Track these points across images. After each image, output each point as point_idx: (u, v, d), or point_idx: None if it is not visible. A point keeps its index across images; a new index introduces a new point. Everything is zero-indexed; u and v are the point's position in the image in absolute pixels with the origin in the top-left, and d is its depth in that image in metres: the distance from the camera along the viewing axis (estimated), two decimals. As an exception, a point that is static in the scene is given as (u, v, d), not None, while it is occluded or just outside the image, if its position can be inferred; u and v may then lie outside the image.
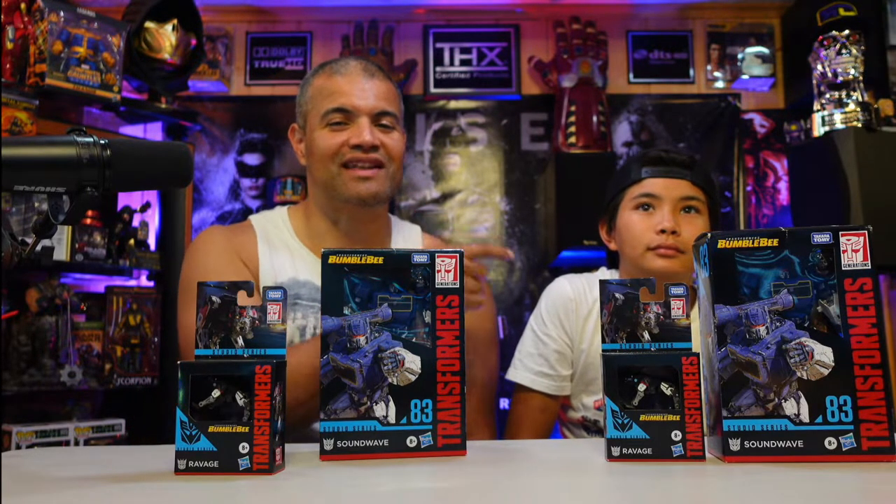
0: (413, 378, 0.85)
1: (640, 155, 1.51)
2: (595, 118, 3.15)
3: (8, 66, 2.07)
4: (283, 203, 2.73)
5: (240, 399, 0.78)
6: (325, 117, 1.25)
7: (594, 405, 1.47)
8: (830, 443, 0.76)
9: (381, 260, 0.86)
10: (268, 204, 3.23)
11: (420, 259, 0.87)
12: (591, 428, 1.49)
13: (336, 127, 1.25)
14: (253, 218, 1.38)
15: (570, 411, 1.52)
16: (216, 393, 0.79)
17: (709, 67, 3.36)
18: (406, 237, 1.41)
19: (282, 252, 1.30)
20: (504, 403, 3.06)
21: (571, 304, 1.49)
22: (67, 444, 2.09)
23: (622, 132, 3.33)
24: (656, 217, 1.41)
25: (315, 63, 3.30)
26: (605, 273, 1.60)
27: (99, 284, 2.46)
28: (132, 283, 2.52)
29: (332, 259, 0.86)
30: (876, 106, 2.35)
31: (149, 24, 2.40)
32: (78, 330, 2.25)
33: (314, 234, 1.34)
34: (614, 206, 1.51)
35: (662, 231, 1.39)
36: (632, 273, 1.47)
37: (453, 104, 3.35)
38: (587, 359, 1.47)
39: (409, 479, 0.74)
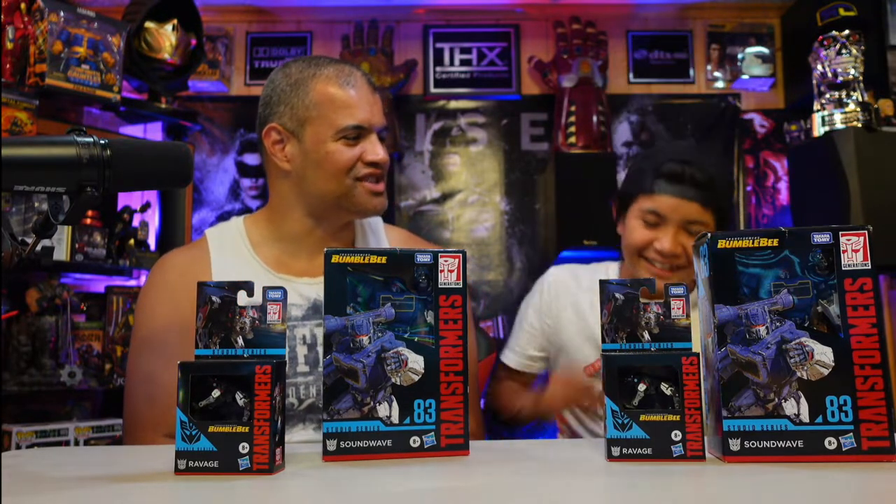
0: (416, 378, 0.85)
1: (660, 162, 1.42)
2: (595, 118, 3.15)
3: (8, 66, 2.07)
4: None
5: (240, 399, 0.78)
6: (342, 132, 1.23)
7: (585, 371, 1.47)
8: (830, 443, 0.76)
9: (384, 259, 0.86)
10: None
11: (423, 259, 0.87)
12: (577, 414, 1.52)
13: (351, 142, 1.24)
14: (209, 233, 1.32)
15: None
16: (216, 393, 0.79)
17: (709, 67, 3.36)
18: (372, 228, 1.40)
19: (236, 276, 1.22)
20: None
21: (552, 288, 1.58)
22: (67, 444, 2.09)
23: (622, 132, 3.33)
24: (659, 233, 1.40)
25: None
26: (612, 266, 1.60)
27: (99, 284, 2.46)
28: (132, 283, 2.52)
29: (335, 258, 0.86)
30: (876, 106, 2.35)
31: (149, 24, 2.40)
32: (78, 330, 2.25)
33: (281, 241, 1.29)
34: (626, 202, 1.48)
35: (660, 251, 1.39)
36: (629, 270, 1.49)
37: (453, 104, 3.36)
38: (563, 343, 1.54)
39: (411, 479, 0.74)
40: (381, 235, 1.39)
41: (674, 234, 1.39)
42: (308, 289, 1.25)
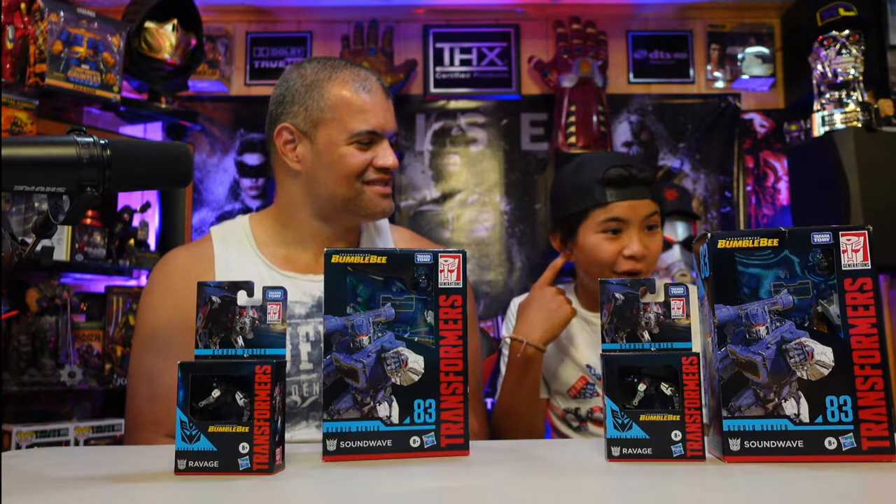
0: (416, 378, 0.85)
1: (602, 173, 1.42)
2: (595, 118, 3.15)
3: (8, 66, 2.07)
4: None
5: (240, 399, 0.78)
6: (356, 136, 1.24)
7: (569, 392, 1.49)
8: (830, 443, 0.76)
9: (384, 259, 0.86)
10: (268, 204, 3.22)
11: (423, 259, 0.87)
12: (571, 422, 1.50)
13: (364, 146, 1.25)
14: (213, 231, 1.32)
15: (552, 411, 1.53)
16: (216, 393, 0.79)
17: (709, 67, 3.36)
18: (377, 228, 1.40)
19: (240, 274, 1.24)
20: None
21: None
22: (67, 444, 2.09)
23: (622, 132, 3.33)
24: (624, 240, 1.42)
25: (315, 63, 3.29)
26: (568, 289, 1.59)
27: (99, 284, 2.46)
28: (132, 283, 2.52)
29: (335, 258, 0.86)
30: (876, 106, 2.35)
31: (149, 24, 2.40)
32: (78, 330, 2.25)
33: (287, 240, 1.30)
34: (574, 222, 1.46)
35: (631, 256, 1.41)
36: (589, 286, 1.51)
37: (453, 104, 3.35)
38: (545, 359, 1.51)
39: (411, 479, 0.74)
40: (387, 235, 1.40)
41: (637, 235, 1.41)
42: (313, 286, 1.25)
